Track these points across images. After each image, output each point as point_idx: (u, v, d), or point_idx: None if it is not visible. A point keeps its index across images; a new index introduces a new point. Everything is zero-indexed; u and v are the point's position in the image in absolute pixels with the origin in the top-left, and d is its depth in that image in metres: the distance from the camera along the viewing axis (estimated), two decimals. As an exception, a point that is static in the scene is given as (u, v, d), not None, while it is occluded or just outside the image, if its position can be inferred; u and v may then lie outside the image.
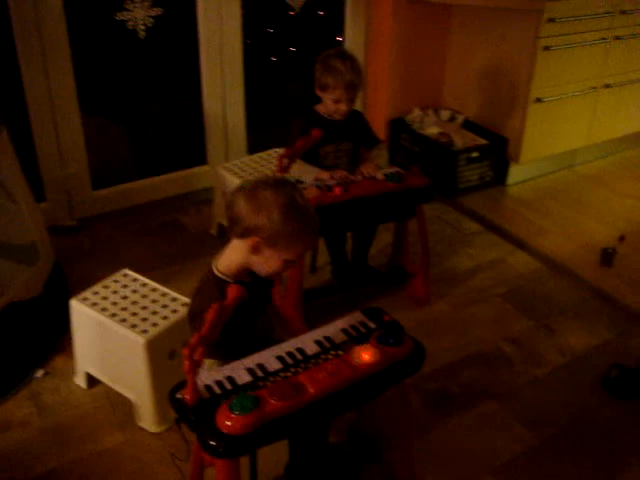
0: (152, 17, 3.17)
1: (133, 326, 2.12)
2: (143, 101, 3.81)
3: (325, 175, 2.55)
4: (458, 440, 2.20)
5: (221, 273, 1.68)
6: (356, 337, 1.73)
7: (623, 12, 3.61)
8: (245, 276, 1.70)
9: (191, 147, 3.74)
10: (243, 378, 1.58)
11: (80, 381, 2.38)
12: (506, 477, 2.07)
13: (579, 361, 2.57)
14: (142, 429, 2.21)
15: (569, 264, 3.12)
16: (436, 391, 2.40)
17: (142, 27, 3.14)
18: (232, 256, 1.69)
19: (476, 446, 2.18)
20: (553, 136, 3.78)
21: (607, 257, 3.11)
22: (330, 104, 2.62)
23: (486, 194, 3.74)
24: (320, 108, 2.68)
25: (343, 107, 2.60)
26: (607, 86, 3.82)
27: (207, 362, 1.65)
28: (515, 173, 3.83)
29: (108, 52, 3.49)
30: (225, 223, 1.71)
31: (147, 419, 2.20)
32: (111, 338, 2.17)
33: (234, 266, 1.69)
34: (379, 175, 2.54)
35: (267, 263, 1.66)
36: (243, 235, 1.63)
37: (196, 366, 1.47)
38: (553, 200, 3.71)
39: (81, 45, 3.12)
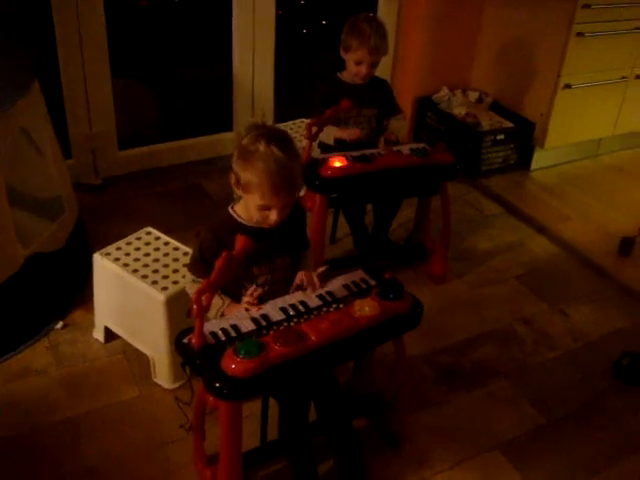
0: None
1: (154, 282, 2.15)
2: (172, 65, 3.82)
3: (341, 133, 2.59)
4: (467, 415, 2.23)
5: (234, 212, 1.80)
6: (357, 292, 1.78)
7: (660, 1, 3.56)
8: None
9: (217, 113, 3.75)
10: (247, 326, 1.64)
11: (98, 335, 2.41)
12: (513, 453, 2.09)
13: (591, 347, 2.58)
14: (157, 385, 2.25)
15: (587, 251, 3.12)
16: (448, 366, 2.42)
17: (177, -10, 3.14)
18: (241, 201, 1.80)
19: (485, 422, 2.21)
20: (580, 123, 3.75)
21: (626, 247, 3.10)
22: (352, 66, 2.63)
23: (509, 177, 3.74)
24: (343, 74, 2.69)
25: (363, 70, 2.61)
26: (639, 77, 3.78)
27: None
28: (539, 158, 3.82)
29: (140, 14, 3.50)
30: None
31: (163, 375, 2.23)
32: (132, 293, 2.21)
33: (240, 209, 1.80)
34: (405, 150, 2.55)
35: (247, 205, 1.75)
36: None
37: (204, 311, 1.53)
38: (575, 187, 3.70)
39: (115, 5, 3.13)
